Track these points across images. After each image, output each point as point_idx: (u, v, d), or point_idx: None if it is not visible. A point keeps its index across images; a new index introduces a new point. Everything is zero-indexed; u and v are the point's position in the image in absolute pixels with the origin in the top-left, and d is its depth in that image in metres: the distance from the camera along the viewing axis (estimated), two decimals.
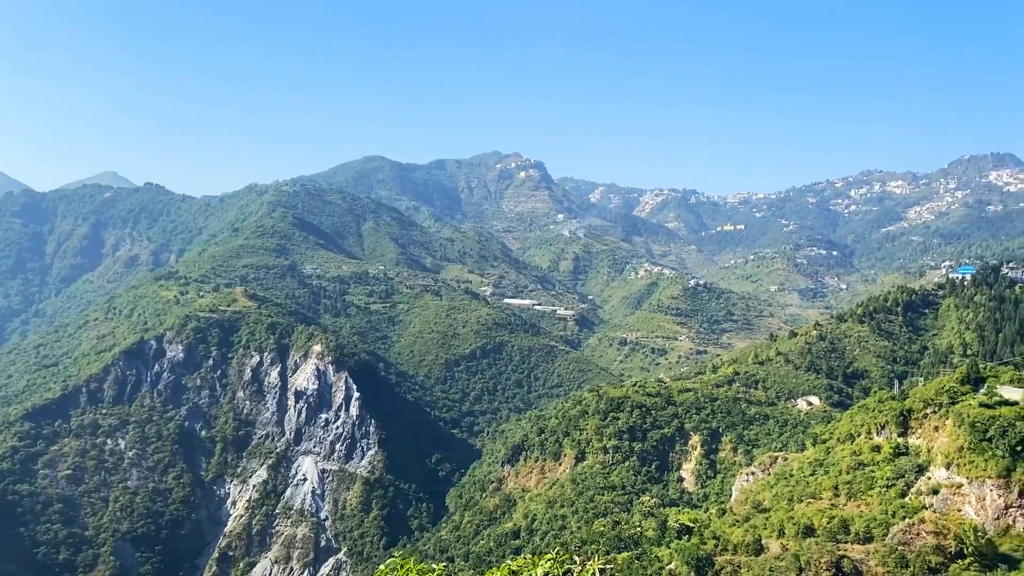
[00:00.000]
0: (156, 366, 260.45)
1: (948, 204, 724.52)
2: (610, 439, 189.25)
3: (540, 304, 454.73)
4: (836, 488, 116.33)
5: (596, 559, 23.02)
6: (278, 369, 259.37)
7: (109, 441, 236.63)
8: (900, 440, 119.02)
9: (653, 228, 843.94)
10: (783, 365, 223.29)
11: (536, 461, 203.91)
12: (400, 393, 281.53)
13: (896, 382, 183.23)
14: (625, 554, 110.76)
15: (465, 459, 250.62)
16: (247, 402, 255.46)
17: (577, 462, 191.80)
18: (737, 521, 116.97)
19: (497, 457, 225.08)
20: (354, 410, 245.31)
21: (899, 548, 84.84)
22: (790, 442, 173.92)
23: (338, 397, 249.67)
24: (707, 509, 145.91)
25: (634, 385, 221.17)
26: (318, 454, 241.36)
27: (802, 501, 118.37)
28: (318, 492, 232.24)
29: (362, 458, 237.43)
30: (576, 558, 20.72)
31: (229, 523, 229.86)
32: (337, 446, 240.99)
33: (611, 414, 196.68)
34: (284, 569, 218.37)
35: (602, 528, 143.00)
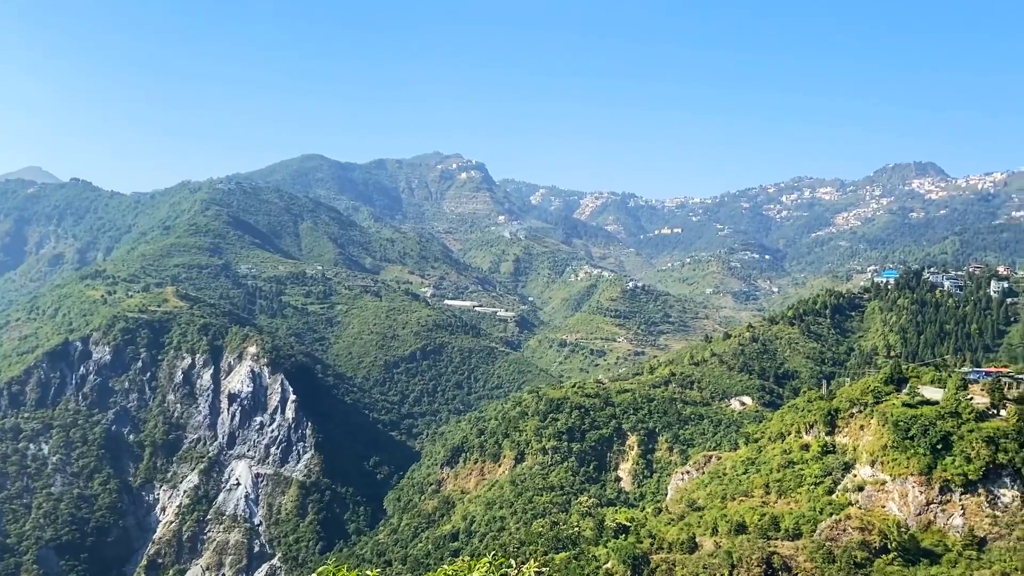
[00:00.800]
0: (81, 368, 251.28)
1: (874, 211, 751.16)
2: (549, 440, 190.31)
3: (481, 305, 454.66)
4: (767, 486, 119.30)
5: (533, 561, 23.05)
6: (211, 371, 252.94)
7: (32, 446, 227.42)
8: (828, 439, 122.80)
9: (593, 231, 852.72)
10: (717, 366, 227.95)
11: (475, 463, 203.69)
12: (338, 395, 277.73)
13: (824, 382, 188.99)
14: (563, 554, 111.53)
15: (404, 462, 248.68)
16: (178, 405, 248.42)
17: (516, 463, 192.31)
18: (672, 520, 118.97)
19: (436, 459, 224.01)
20: (290, 413, 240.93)
21: (826, 544, 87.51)
22: (724, 441, 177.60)
23: (274, 400, 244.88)
24: (643, 508, 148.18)
25: (573, 386, 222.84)
26: (252, 458, 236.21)
27: (735, 499, 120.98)
28: (252, 497, 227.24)
29: (298, 462, 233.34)
30: (512, 561, 20.68)
31: (158, 530, 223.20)
32: (272, 450, 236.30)
33: (550, 415, 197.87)
34: None
35: (541, 529, 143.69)
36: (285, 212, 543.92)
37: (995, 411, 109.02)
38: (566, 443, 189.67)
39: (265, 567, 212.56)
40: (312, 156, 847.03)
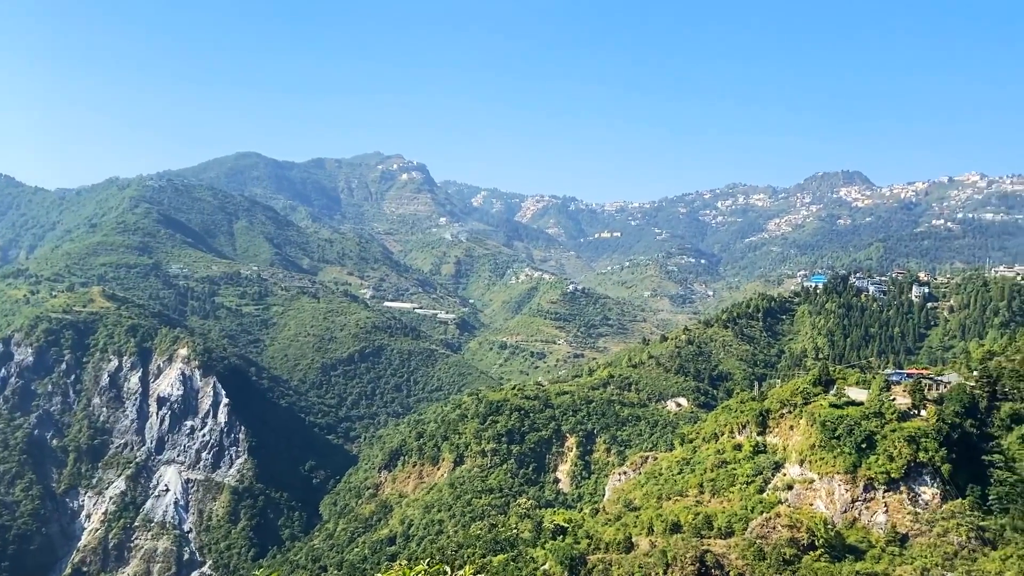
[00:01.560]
0: (2, 370, 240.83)
1: (804, 217, 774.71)
2: (489, 442, 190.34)
3: (421, 308, 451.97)
4: (701, 485, 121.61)
5: (470, 565, 22.92)
6: (139, 374, 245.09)
7: None
8: (759, 439, 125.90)
9: (534, 233, 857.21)
10: (655, 368, 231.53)
11: (414, 466, 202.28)
12: (273, 399, 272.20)
13: (756, 384, 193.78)
14: (501, 556, 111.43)
15: (341, 466, 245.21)
16: (104, 409, 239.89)
17: (456, 466, 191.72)
18: (609, 520, 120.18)
19: (374, 463, 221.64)
20: (222, 417, 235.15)
21: (757, 541, 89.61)
22: (660, 442, 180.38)
23: (205, 403, 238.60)
24: (581, 509, 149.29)
25: (513, 388, 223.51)
26: (182, 463, 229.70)
27: (670, 499, 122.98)
28: (181, 503, 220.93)
29: (230, 467, 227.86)
30: (447, 568, 20.54)
31: (83, 537, 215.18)
32: (203, 455, 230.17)
33: (490, 417, 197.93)
34: None
35: (479, 531, 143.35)
36: (219, 211, 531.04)
37: (916, 411, 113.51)
38: (505, 445, 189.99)
39: (195, 575, 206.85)
40: (248, 154, 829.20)
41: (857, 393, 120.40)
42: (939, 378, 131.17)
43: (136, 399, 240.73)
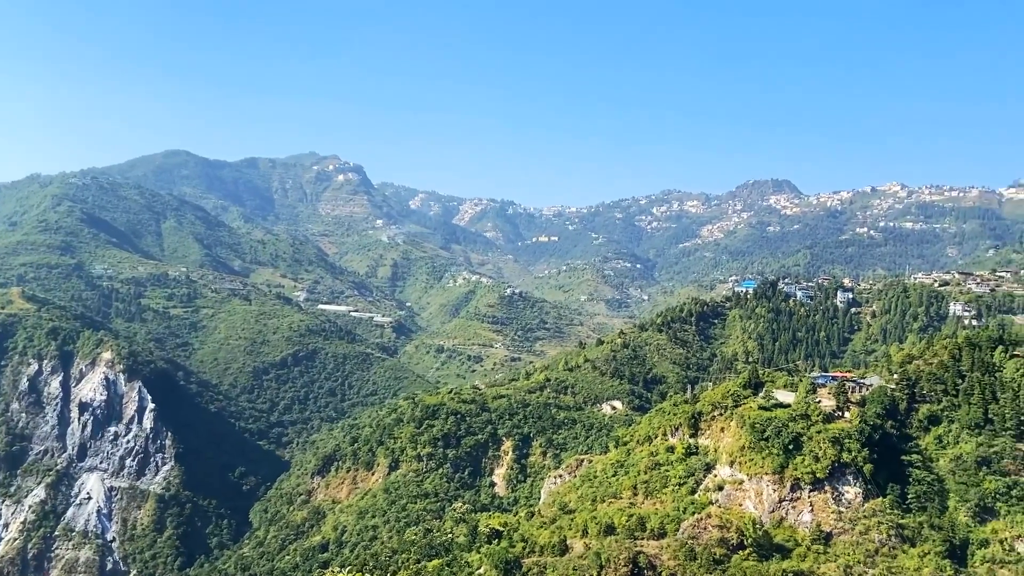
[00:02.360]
0: None
1: (735, 224, 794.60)
2: (424, 447, 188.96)
3: (357, 311, 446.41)
4: (635, 487, 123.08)
5: (404, 571, 22.55)
6: (60, 378, 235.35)
7: None
8: (692, 441, 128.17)
9: (472, 237, 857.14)
10: (590, 371, 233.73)
11: (348, 471, 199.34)
12: (202, 403, 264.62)
13: (689, 387, 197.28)
14: (436, 561, 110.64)
15: (272, 472, 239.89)
16: (23, 414, 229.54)
17: (391, 471, 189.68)
18: (544, 523, 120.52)
19: (307, 468, 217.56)
20: (148, 422, 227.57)
21: (689, 542, 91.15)
22: (595, 445, 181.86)
23: (130, 409, 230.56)
24: (517, 513, 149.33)
25: (449, 392, 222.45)
26: (105, 470, 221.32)
27: (604, 501, 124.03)
28: (104, 511, 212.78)
29: (156, 474, 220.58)
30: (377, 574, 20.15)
31: (0, 547, 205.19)
32: (128, 461, 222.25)
33: (426, 421, 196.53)
34: None
35: (414, 537, 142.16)
36: (146, 210, 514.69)
37: (840, 413, 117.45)
38: (441, 450, 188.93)
39: None
40: (177, 152, 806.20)
41: (785, 395, 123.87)
42: (862, 381, 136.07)
43: (57, 404, 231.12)
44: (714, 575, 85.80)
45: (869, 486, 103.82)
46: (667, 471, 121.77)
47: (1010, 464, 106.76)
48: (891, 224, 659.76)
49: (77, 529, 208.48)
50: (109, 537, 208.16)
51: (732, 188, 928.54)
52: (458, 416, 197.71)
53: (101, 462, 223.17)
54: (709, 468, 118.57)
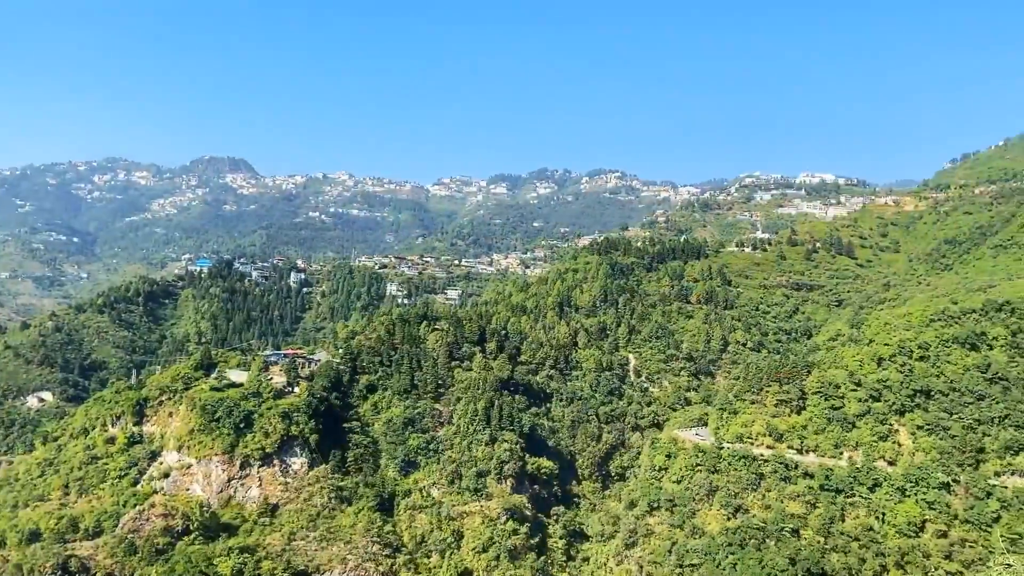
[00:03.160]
0: None
1: (190, 200, 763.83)
2: None
3: None
4: (67, 486, 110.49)
5: None
6: None
7: None
8: (136, 429, 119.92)
9: None
10: (12, 360, 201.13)
11: None
12: None
13: (135, 371, 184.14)
14: None
15: None
16: None
17: None
18: None
19: None
20: None
21: (129, 536, 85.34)
22: (18, 444, 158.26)
23: None
24: None
25: None
26: None
27: (28, 506, 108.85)
28: None
29: None
30: None
31: None
32: None
33: None
34: None
35: None
36: None
37: (291, 388, 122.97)
38: None
39: None
40: None
41: (238, 375, 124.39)
42: (311, 357, 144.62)
43: None
44: (156, 566, 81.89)
45: (315, 455, 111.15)
46: (106, 464, 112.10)
47: (429, 422, 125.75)
48: (340, 210, 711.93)
49: None
50: None
51: (186, 162, 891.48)
52: None
53: None
54: (155, 456, 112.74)
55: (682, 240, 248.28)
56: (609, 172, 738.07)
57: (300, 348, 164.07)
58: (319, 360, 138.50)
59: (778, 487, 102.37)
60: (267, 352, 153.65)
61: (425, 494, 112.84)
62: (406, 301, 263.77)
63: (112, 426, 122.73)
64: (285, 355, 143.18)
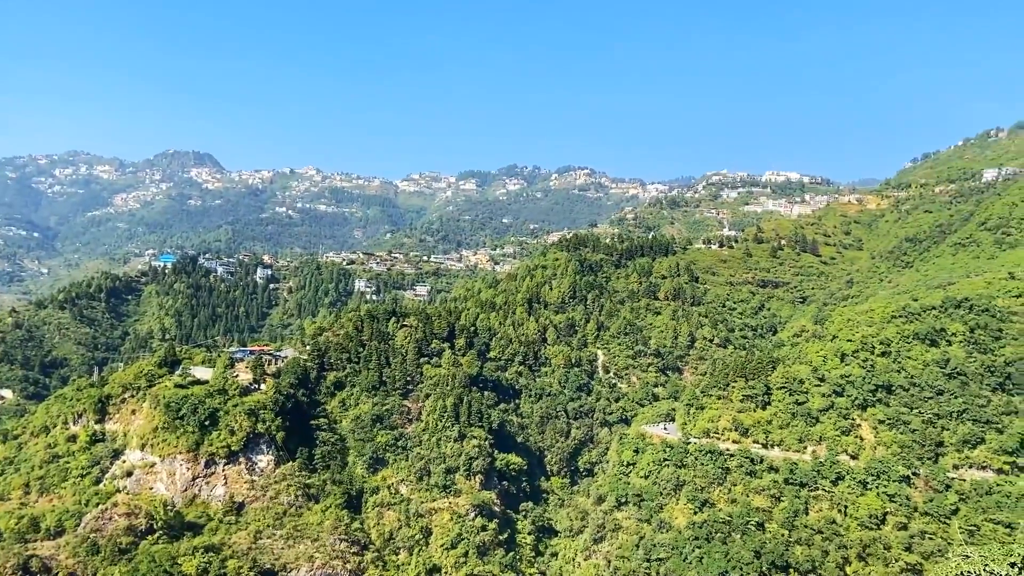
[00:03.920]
0: None
1: (154, 194, 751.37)
2: None
3: None
4: (28, 485, 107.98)
5: None
6: None
7: None
8: (98, 427, 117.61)
9: None
10: None
11: None
12: None
13: (97, 368, 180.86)
14: None
15: None
16: None
17: None
18: None
19: None
20: None
21: (91, 536, 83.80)
22: None
23: None
24: None
25: None
26: None
27: None
28: None
29: None
30: None
31: None
32: None
33: None
34: None
35: None
36: None
37: (257, 385, 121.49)
38: None
39: None
40: None
41: (203, 372, 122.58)
42: (278, 353, 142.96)
43: None
44: (119, 566, 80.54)
45: (281, 452, 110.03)
46: (68, 463, 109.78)
47: (398, 419, 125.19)
48: (308, 205, 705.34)
49: None
50: None
51: (150, 156, 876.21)
52: None
53: None
54: (117, 454, 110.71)
55: (650, 237, 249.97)
56: (578, 169, 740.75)
57: (267, 345, 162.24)
58: (286, 357, 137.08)
59: (744, 481, 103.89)
60: (233, 349, 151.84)
61: (393, 491, 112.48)
62: (375, 297, 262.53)
63: (74, 424, 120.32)
64: (251, 352, 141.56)
